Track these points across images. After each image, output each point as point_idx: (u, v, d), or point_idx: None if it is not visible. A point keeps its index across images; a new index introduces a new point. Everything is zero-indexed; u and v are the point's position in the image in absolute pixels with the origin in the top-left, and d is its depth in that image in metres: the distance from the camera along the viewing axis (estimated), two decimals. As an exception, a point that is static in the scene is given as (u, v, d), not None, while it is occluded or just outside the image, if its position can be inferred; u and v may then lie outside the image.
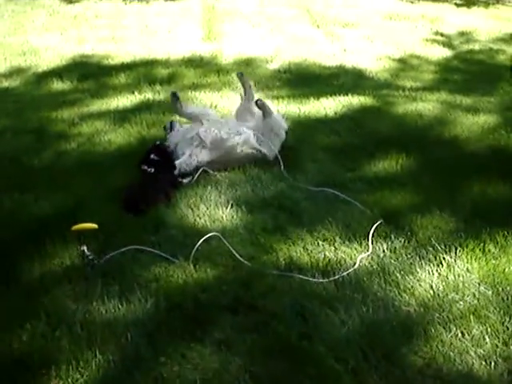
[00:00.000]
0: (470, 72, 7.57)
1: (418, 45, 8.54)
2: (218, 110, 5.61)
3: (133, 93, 5.99)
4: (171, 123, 4.80)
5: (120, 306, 3.08)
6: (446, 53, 8.30)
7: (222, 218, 3.87)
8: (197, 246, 3.44)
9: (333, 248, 3.53)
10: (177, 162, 4.40)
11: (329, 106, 5.77)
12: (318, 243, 3.57)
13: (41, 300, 3.13)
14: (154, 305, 3.09)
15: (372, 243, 3.57)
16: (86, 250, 3.38)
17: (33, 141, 4.96)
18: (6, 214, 3.92)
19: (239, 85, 6.32)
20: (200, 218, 3.86)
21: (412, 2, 11.15)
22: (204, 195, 4.11)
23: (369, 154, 4.75)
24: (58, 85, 6.34)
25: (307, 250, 3.52)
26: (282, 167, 4.48)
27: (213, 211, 3.93)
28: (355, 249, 3.53)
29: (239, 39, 8.27)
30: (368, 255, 3.47)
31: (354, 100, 5.92)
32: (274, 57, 7.47)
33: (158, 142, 4.40)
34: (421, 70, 7.57)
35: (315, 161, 4.66)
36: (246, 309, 3.06)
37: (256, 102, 4.72)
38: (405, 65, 7.74)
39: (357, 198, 4.07)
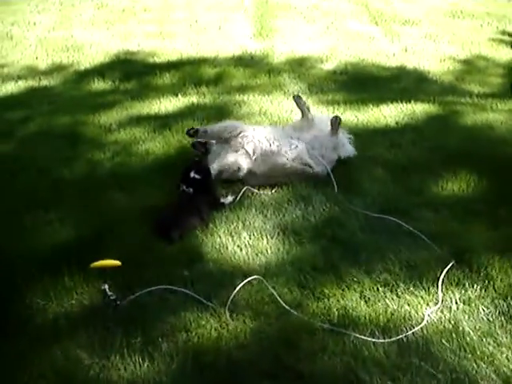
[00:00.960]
0: (542, 77, 6.78)
1: (483, 45, 7.74)
2: (268, 116, 5.03)
3: (176, 95, 5.44)
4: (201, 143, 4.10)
5: (141, 363, 2.56)
6: (515, 54, 7.50)
7: (267, 250, 3.30)
8: (234, 292, 2.88)
9: (395, 296, 2.92)
10: (213, 166, 3.88)
11: (389, 114, 5.11)
12: (378, 289, 2.97)
13: (51, 351, 2.63)
14: (180, 364, 2.56)
15: (442, 291, 2.95)
16: (107, 290, 2.87)
17: (65, 148, 4.47)
18: (26, 238, 3.43)
19: (290, 88, 5.78)
20: (241, 250, 3.30)
21: (476, -2, 10.29)
22: (247, 220, 3.55)
23: (435, 173, 4.11)
24: (98, 84, 5.84)
25: (365, 297, 2.92)
26: (336, 188, 3.88)
27: (256, 241, 3.37)
28: (422, 298, 2.91)
29: (292, 36, 7.62)
30: (438, 308, 2.85)
31: (418, 107, 5.24)
32: (330, 56, 6.81)
33: (197, 158, 3.86)
34: (488, 73, 6.81)
35: (374, 180, 4.04)
36: (289, 375, 2.50)
37: (334, 117, 4.22)
38: (470, 67, 6.98)
39: (423, 229, 3.45)
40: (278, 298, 2.88)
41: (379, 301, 2.89)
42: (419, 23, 8.39)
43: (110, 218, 3.57)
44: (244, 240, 3.37)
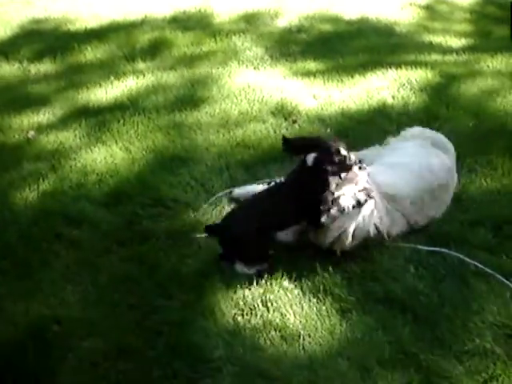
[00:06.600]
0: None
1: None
2: (233, 100, 3.73)
3: (108, 78, 3.99)
4: None
5: None
6: (476, -5, 6.40)
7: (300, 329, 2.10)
8: None
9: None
10: None
11: (381, 85, 3.92)
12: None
13: None
14: None
15: None
16: None
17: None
18: None
19: (245, 56, 4.44)
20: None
21: None
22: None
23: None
24: (1, 69, 4.27)
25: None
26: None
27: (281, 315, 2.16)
28: None
29: (228, -13, 6.20)
30: None
31: (411, 74, 4.04)
32: (278, 10, 5.47)
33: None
34: (457, 20, 5.70)
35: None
36: None
37: None
38: (435, 14, 5.83)
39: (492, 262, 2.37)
40: None
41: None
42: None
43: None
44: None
